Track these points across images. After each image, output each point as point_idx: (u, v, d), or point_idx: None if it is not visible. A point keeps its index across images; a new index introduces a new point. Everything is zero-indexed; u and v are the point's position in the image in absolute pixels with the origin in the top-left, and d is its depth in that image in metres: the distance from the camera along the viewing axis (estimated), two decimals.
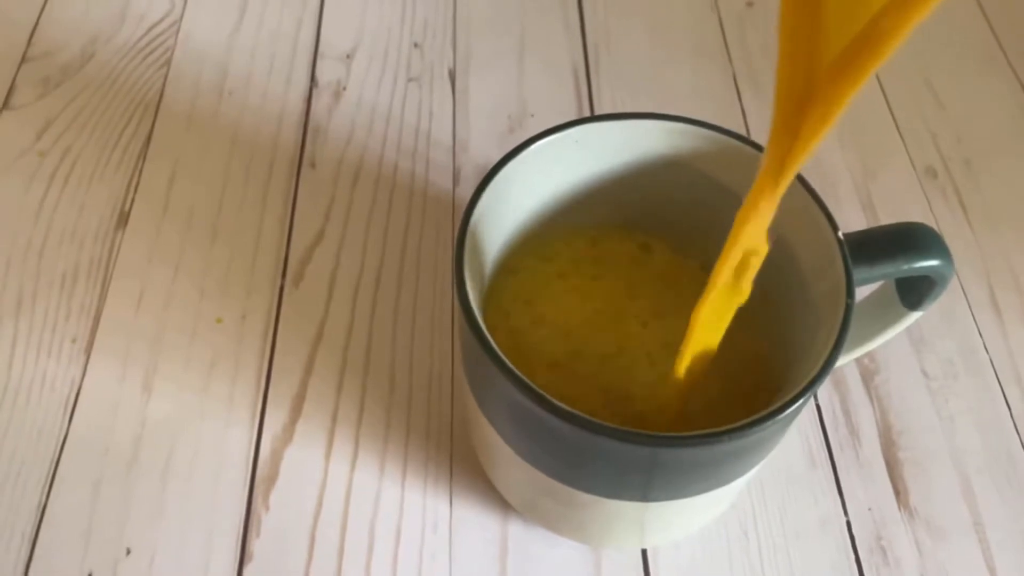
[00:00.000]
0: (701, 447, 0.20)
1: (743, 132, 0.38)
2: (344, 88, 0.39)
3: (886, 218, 0.35)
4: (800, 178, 0.23)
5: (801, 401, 0.20)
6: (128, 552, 0.28)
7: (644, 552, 0.28)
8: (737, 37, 0.41)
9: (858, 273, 0.23)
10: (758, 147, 0.24)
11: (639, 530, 0.25)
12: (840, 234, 0.22)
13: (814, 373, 0.20)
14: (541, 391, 0.20)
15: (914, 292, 0.25)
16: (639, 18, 0.42)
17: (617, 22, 0.42)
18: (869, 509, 0.29)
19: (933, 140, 0.38)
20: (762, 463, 0.24)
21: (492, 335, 0.21)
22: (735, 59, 0.41)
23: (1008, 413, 0.31)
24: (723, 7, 0.43)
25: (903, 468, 0.30)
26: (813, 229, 0.23)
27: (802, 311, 0.24)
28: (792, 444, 0.30)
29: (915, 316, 0.26)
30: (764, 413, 0.19)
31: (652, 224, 0.26)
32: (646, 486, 0.22)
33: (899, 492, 0.29)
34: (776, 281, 0.25)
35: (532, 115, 0.39)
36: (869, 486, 0.29)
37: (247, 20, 0.42)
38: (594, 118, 0.24)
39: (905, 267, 0.23)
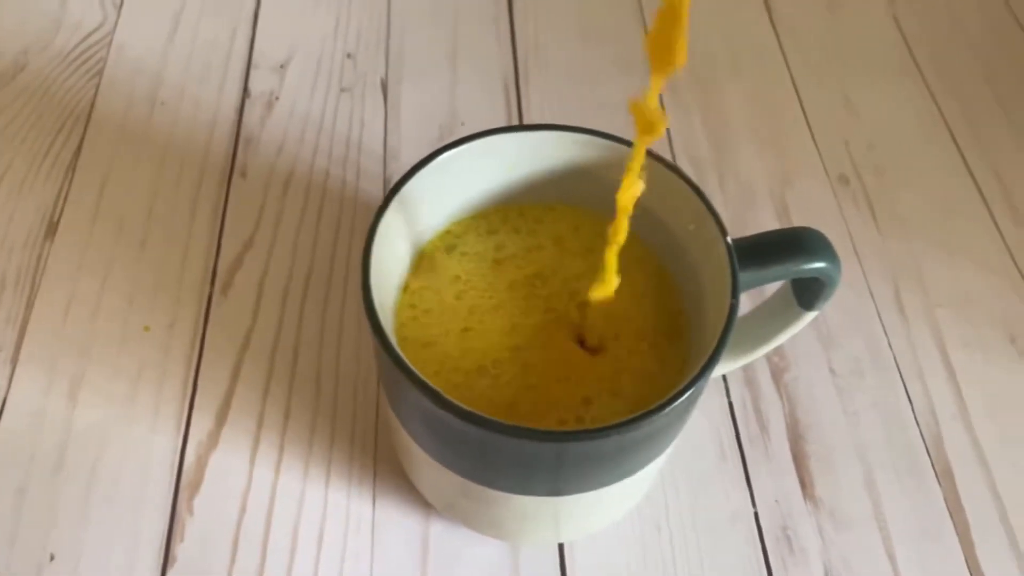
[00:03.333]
0: (594, 441, 0.21)
1: (666, 141, 0.39)
2: (277, 98, 0.40)
3: (799, 223, 0.37)
4: (695, 188, 0.25)
5: (684, 398, 0.21)
6: (52, 558, 0.28)
7: (561, 547, 0.29)
8: None
9: (749, 275, 0.24)
10: (656, 156, 0.25)
11: (554, 524, 0.26)
12: (729, 238, 0.23)
13: (696, 372, 0.21)
14: (440, 391, 0.21)
15: (808, 293, 0.26)
16: (568, 30, 0.43)
17: (547, 34, 0.43)
18: (776, 501, 0.30)
19: (846, 148, 0.40)
20: (666, 455, 0.26)
21: (404, 328, 0.21)
22: None
23: (910, 408, 0.32)
24: (649, 19, 0.44)
25: (809, 461, 0.31)
26: (706, 235, 0.24)
27: (699, 310, 0.25)
28: (704, 439, 0.31)
29: (811, 316, 0.27)
30: (646, 411, 0.21)
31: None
32: (554, 480, 0.23)
33: (805, 484, 0.30)
34: (679, 281, 0.26)
35: (463, 124, 0.40)
36: (777, 479, 0.30)
37: (181, 30, 0.42)
38: (500, 129, 0.25)
39: (794, 269, 0.24)
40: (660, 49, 0.19)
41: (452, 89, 0.41)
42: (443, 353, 0.24)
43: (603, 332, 0.25)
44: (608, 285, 0.23)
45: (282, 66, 0.41)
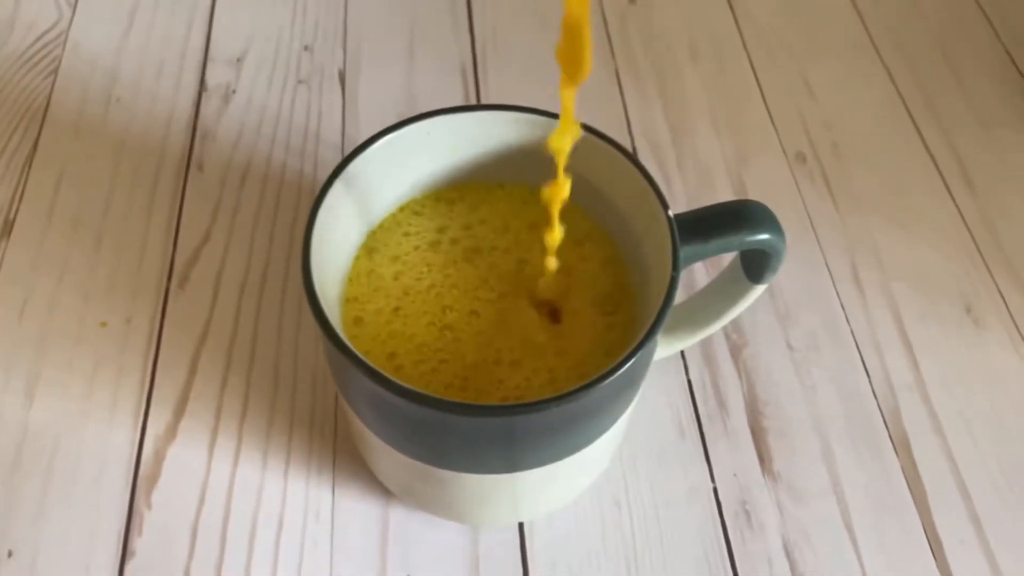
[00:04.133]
0: (536, 414, 0.21)
1: (624, 123, 0.40)
2: (233, 91, 0.40)
3: None
4: (639, 165, 0.25)
5: (624, 368, 0.21)
6: (10, 554, 0.28)
7: (521, 527, 0.29)
8: (619, 33, 0.43)
9: (691, 249, 0.24)
10: (596, 132, 0.25)
11: (511, 503, 0.26)
12: (670, 212, 0.24)
13: (636, 344, 0.21)
14: (382, 371, 0.21)
15: (755, 266, 0.26)
16: (525, 17, 0.43)
17: (504, 21, 0.43)
18: (735, 475, 0.30)
19: (804, 126, 0.40)
20: (620, 429, 0.26)
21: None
22: (617, 54, 0.42)
23: (867, 381, 0.33)
24: (607, 4, 0.44)
25: (767, 436, 0.31)
26: (649, 210, 0.24)
27: (646, 284, 0.25)
28: (663, 418, 0.31)
29: (760, 289, 0.27)
30: (587, 383, 0.21)
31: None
32: (506, 457, 0.23)
33: (763, 459, 0.31)
34: (627, 256, 0.26)
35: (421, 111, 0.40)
36: (735, 454, 0.31)
37: (136, 26, 0.42)
38: (443, 110, 0.25)
39: (737, 242, 0.24)
40: (568, 62, 0.20)
41: (410, 79, 0.41)
42: (373, 332, 0.24)
43: (551, 302, 0.25)
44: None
45: (239, 59, 0.41)
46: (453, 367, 0.24)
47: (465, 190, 0.27)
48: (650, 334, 0.21)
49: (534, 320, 0.25)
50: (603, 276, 0.26)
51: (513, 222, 0.27)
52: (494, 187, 0.27)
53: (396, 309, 0.25)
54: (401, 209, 0.27)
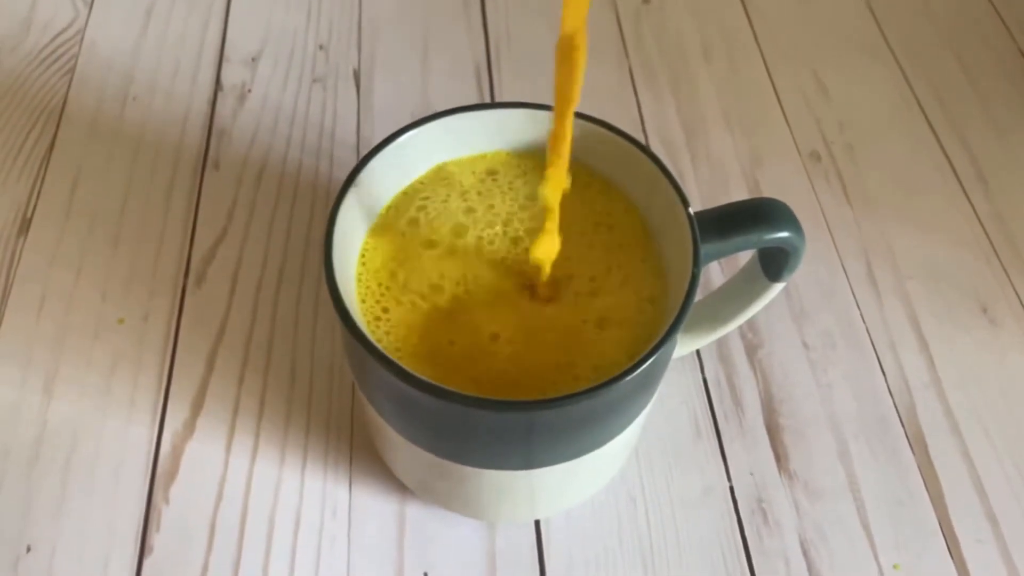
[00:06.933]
0: (553, 410, 0.21)
1: (638, 123, 0.40)
2: (249, 90, 0.40)
3: None
4: (657, 161, 0.25)
5: (645, 366, 0.21)
6: (29, 549, 0.28)
7: (537, 524, 0.29)
8: (633, 33, 0.43)
9: (712, 246, 0.24)
10: (616, 130, 0.25)
11: (529, 499, 0.26)
12: (690, 209, 0.24)
13: (656, 342, 0.21)
14: (404, 366, 0.21)
15: (774, 265, 0.26)
16: (539, 17, 0.43)
17: (518, 21, 0.43)
18: (751, 474, 0.30)
19: (818, 126, 0.40)
20: (638, 426, 0.26)
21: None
22: (631, 54, 0.42)
23: (883, 379, 0.33)
24: (621, 4, 0.44)
25: (783, 434, 0.31)
26: (668, 206, 0.24)
27: (665, 282, 0.25)
28: (679, 417, 0.31)
29: (778, 287, 0.27)
30: (609, 379, 0.21)
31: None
32: (525, 452, 0.23)
33: (779, 457, 0.31)
34: (644, 248, 0.26)
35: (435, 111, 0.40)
36: (751, 453, 0.31)
37: (152, 26, 0.42)
38: (462, 108, 0.26)
39: (756, 239, 0.24)
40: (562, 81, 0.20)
41: (424, 78, 0.41)
42: (393, 322, 0.24)
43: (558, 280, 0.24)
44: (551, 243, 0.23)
45: (254, 59, 0.41)
46: (467, 358, 0.24)
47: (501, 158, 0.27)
48: (671, 331, 0.21)
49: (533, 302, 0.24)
50: (643, 270, 0.25)
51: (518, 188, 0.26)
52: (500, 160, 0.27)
53: (401, 298, 0.25)
54: (405, 193, 0.26)
